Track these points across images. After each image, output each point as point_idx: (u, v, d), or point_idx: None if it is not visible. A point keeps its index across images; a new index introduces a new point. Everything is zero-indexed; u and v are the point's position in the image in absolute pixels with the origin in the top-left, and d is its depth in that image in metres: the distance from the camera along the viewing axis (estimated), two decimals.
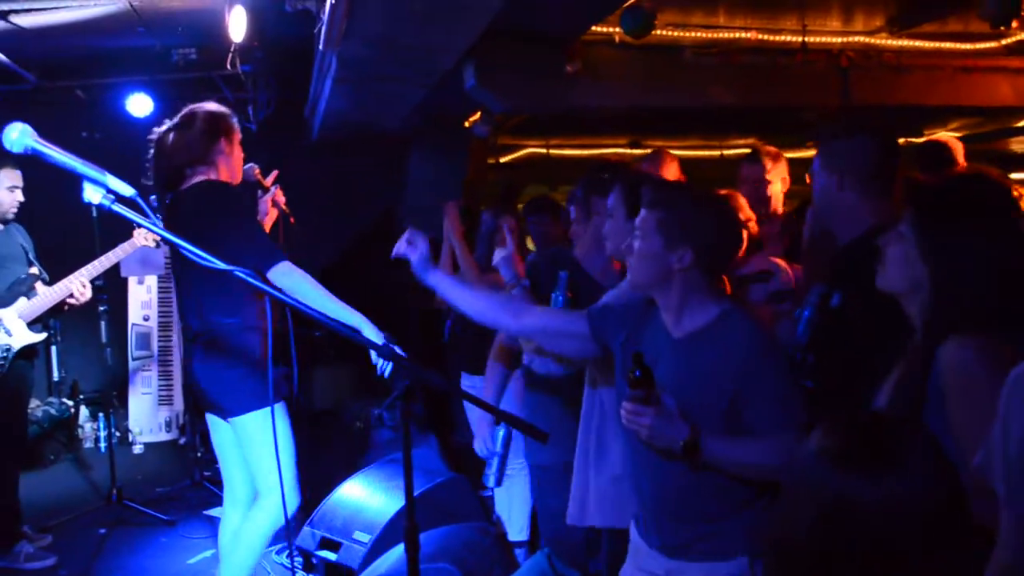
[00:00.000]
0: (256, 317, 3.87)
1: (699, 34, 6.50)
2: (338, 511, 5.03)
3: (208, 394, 3.89)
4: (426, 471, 5.23)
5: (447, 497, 5.02)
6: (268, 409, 3.74)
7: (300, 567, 5.03)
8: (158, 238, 5.26)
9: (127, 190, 2.19)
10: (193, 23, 6.15)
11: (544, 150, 11.55)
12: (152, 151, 3.90)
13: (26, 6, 5.42)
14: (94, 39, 6.49)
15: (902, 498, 1.22)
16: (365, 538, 4.72)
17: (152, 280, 7.85)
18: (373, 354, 2.92)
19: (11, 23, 5.65)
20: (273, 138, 7.99)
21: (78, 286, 5.16)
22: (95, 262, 5.25)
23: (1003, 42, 7.25)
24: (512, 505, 5.13)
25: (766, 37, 6.64)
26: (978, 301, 1.98)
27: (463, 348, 5.35)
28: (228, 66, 6.52)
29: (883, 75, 7.15)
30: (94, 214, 5.37)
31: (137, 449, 7.77)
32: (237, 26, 5.59)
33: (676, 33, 6.41)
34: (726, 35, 6.56)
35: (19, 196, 5.23)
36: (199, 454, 6.89)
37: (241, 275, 2.25)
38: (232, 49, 6.30)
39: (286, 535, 4.13)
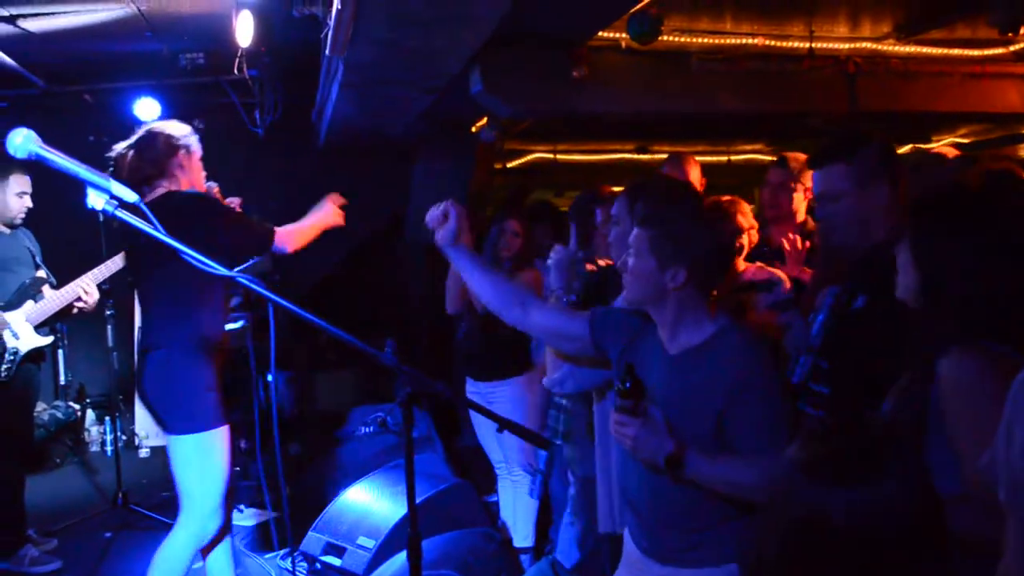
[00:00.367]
0: (209, 334, 3.93)
1: (706, 40, 6.49)
2: (343, 516, 5.04)
3: (154, 409, 3.92)
4: (431, 476, 5.24)
5: (452, 503, 5.02)
6: (207, 434, 3.82)
7: (305, 572, 5.03)
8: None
9: (130, 196, 2.20)
10: (201, 28, 6.16)
11: (551, 155, 11.55)
12: (111, 168, 3.92)
13: (34, 11, 5.44)
14: (102, 43, 6.50)
15: (870, 509, 1.22)
16: (370, 543, 4.72)
17: None
18: None
19: (19, 28, 5.66)
20: (280, 143, 8.02)
21: (84, 290, 5.17)
22: (102, 266, 5.26)
23: (1011, 48, 7.23)
24: (517, 512, 5.13)
25: (773, 43, 6.62)
26: (971, 311, 1.98)
27: (470, 355, 5.34)
28: (235, 71, 6.54)
29: (891, 81, 7.13)
30: (101, 218, 5.38)
31: (143, 453, 7.78)
32: (244, 31, 5.61)
33: (683, 39, 6.40)
34: (733, 41, 6.54)
35: (27, 202, 5.25)
36: None
37: (244, 282, 2.25)
38: (239, 54, 6.32)
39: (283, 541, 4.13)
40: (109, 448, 7.57)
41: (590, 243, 4.06)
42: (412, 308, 8.95)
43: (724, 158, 12.06)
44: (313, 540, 5.02)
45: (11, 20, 5.53)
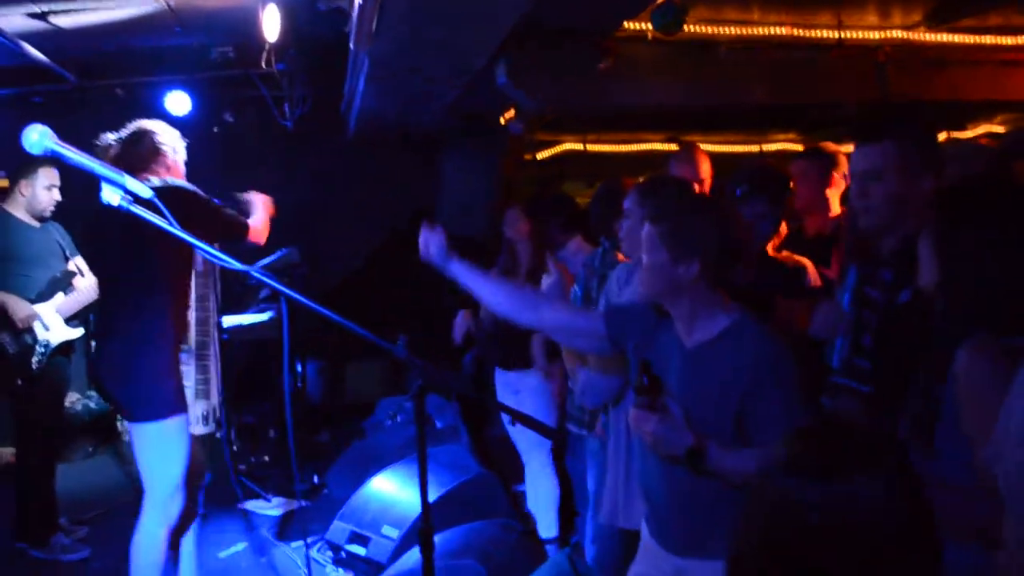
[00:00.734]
0: (176, 324, 4.02)
1: (733, 30, 6.44)
2: (368, 506, 5.08)
3: (113, 395, 4.00)
4: (457, 466, 5.26)
5: (476, 493, 5.05)
6: (167, 421, 3.89)
7: (331, 560, 5.08)
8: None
9: (145, 191, 2.23)
10: (229, 22, 6.19)
11: (581, 146, 11.50)
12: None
13: (64, 7, 5.50)
14: (132, 38, 6.56)
15: (846, 506, 1.21)
16: (394, 533, 4.76)
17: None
18: None
19: (50, 23, 5.73)
20: (310, 136, 8.04)
21: None
22: None
23: None
24: (539, 503, 5.14)
25: (801, 32, 6.56)
26: (990, 304, 1.96)
27: (497, 345, 5.35)
28: (263, 65, 6.58)
29: (922, 70, 7.05)
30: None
31: None
32: (271, 25, 5.65)
33: (710, 29, 6.36)
34: (760, 31, 6.49)
35: (56, 195, 5.32)
36: (235, 448, 6.97)
37: (258, 275, 2.28)
38: (266, 48, 6.36)
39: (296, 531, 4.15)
40: None
41: (614, 234, 4.04)
42: (441, 300, 8.97)
43: (757, 148, 11.97)
44: (338, 529, 5.07)
45: (42, 16, 5.59)
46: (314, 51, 6.92)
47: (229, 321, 6.70)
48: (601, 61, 6.13)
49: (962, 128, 10.37)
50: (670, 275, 2.51)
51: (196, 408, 7.93)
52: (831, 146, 4.31)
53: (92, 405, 7.44)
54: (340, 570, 4.99)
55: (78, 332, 5.35)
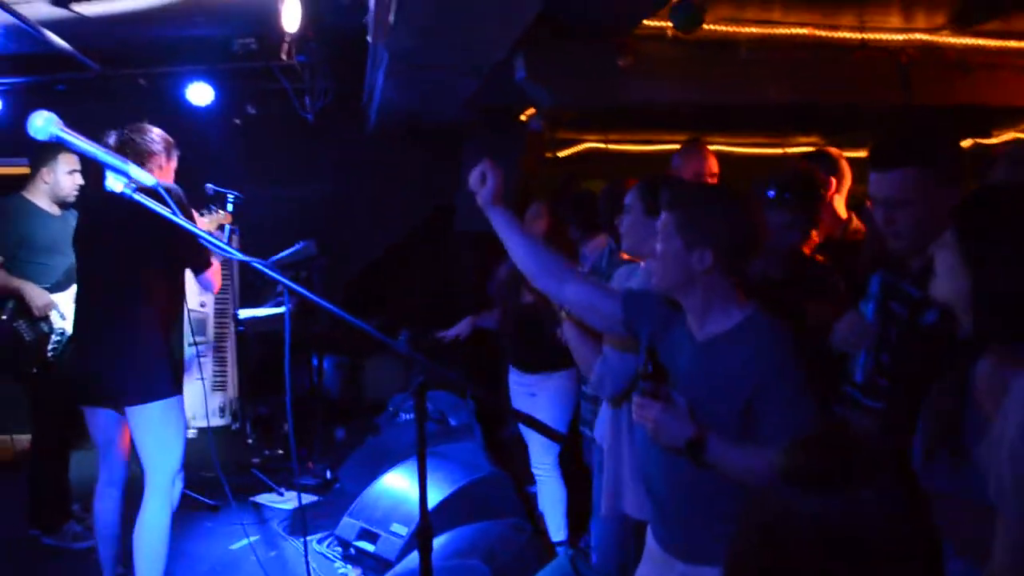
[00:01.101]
0: (169, 311, 4.17)
1: (754, 30, 6.39)
2: (378, 502, 5.08)
3: (112, 384, 4.03)
4: (467, 465, 5.24)
5: (487, 492, 5.03)
6: (164, 401, 4.00)
7: (340, 556, 5.08)
8: (218, 224, 5.40)
9: (149, 179, 2.24)
10: (250, 13, 6.19)
11: (603, 144, 11.46)
12: None
13: None
14: (155, 28, 6.57)
15: (847, 518, 1.19)
16: (403, 530, 4.75)
17: None
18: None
19: (73, 11, 5.74)
20: (331, 129, 8.05)
21: None
22: None
23: None
24: (546, 506, 5.12)
25: (823, 33, 6.51)
26: (1014, 312, 1.91)
27: (515, 347, 5.33)
28: (283, 56, 6.58)
29: (946, 73, 6.96)
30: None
31: (191, 433, 7.86)
32: (291, 17, 5.65)
33: (730, 28, 6.31)
34: (782, 31, 6.44)
35: (78, 179, 5.35)
36: (250, 441, 6.99)
37: (259, 267, 2.27)
38: (287, 39, 6.36)
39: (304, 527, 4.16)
40: None
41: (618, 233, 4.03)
42: (460, 296, 8.96)
43: (780, 150, 11.89)
44: (348, 525, 5.07)
45: (65, 4, 5.61)
46: (336, 43, 6.91)
47: (244, 313, 6.72)
48: (620, 58, 6.11)
49: (987, 135, 10.24)
50: (684, 264, 2.50)
51: (212, 400, 7.99)
52: (834, 151, 4.32)
53: None
54: (349, 566, 5.00)
55: None
